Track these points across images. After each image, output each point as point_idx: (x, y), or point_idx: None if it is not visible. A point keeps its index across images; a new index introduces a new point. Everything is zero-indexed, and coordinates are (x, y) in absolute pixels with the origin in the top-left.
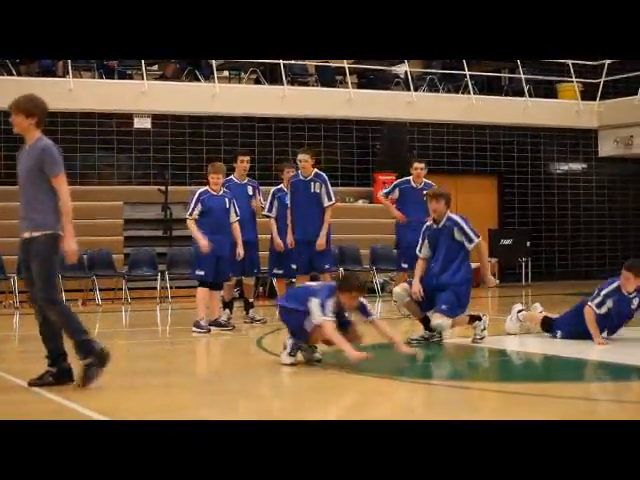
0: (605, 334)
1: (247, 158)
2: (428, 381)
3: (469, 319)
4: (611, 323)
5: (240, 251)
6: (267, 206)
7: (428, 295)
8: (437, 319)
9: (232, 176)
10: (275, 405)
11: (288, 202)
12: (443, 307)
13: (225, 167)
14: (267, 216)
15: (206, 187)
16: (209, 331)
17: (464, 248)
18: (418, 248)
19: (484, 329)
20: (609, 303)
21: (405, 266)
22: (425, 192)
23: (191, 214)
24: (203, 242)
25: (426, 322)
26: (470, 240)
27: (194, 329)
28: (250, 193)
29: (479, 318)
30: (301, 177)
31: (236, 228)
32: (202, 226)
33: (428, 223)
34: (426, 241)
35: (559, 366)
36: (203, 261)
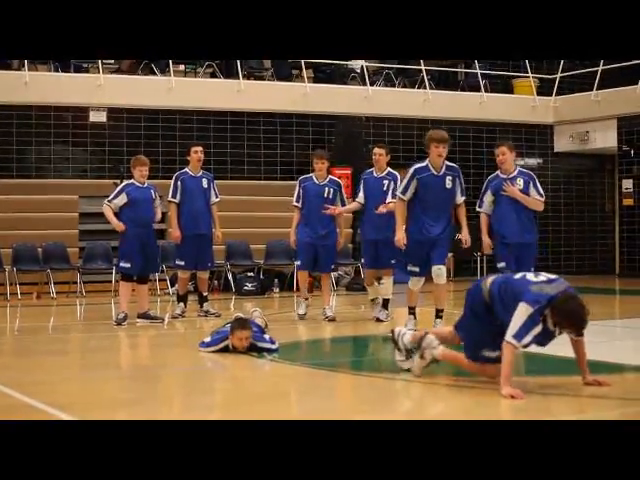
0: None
1: (200, 149)
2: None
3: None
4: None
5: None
6: (295, 196)
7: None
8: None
9: (186, 169)
10: (229, 398)
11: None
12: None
13: (148, 160)
14: (295, 206)
15: (132, 180)
16: (162, 320)
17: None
18: (403, 189)
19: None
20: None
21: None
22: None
23: (110, 201)
24: (118, 224)
25: None
26: (463, 193)
27: (139, 321)
28: (205, 186)
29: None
30: (315, 181)
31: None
32: (127, 218)
33: (421, 165)
34: (414, 182)
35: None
36: (128, 254)
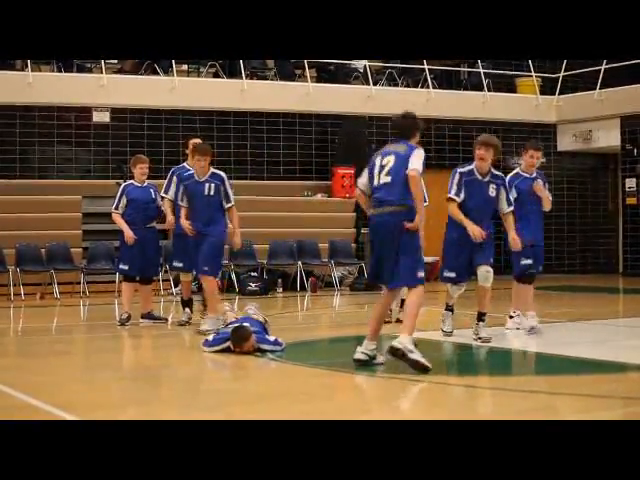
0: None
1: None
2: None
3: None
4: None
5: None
6: (179, 196)
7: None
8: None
9: (184, 163)
10: (232, 399)
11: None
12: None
13: (149, 159)
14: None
15: (131, 180)
16: (166, 320)
17: None
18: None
19: None
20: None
21: None
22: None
23: (116, 207)
24: (129, 236)
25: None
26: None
27: (142, 321)
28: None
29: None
30: (196, 178)
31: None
32: (127, 218)
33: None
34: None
35: (515, 360)
36: (127, 255)
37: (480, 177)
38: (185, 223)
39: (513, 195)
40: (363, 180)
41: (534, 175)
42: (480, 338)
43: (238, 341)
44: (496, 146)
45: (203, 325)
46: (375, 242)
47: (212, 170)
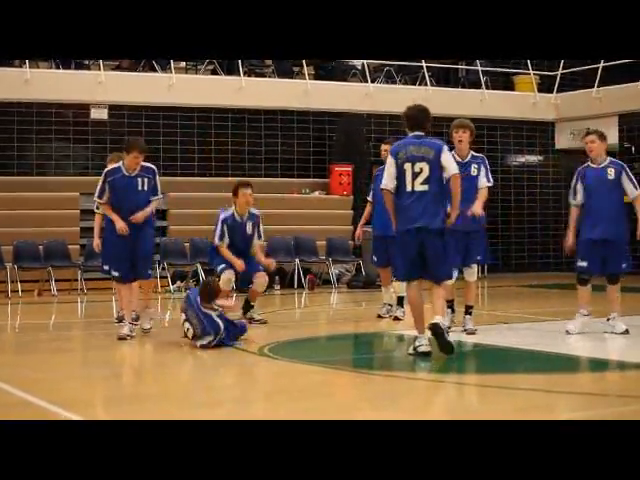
0: None
1: (249, 191)
2: (375, 372)
3: None
4: None
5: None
6: (97, 191)
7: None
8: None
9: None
10: (229, 397)
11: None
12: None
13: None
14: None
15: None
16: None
17: None
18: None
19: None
20: None
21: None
22: None
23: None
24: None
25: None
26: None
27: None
28: (249, 232)
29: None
30: (125, 172)
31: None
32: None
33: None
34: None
35: (513, 358)
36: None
37: (460, 159)
38: (123, 227)
39: (580, 189)
40: (390, 184)
41: (602, 165)
42: (466, 330)
43: (212, 296)
44: (472, 128)
45: (145, 325)
46: (418, 244)
47: (142, 163)
